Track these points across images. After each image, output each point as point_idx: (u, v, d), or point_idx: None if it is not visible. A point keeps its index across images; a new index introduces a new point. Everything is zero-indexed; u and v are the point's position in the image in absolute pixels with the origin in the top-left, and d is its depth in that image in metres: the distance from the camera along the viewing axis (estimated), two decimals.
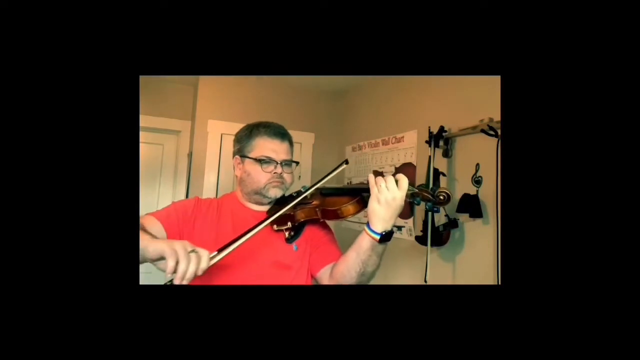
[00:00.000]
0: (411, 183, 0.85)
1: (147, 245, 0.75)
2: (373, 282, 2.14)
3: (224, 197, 1.14)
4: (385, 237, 0.84)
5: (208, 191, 2.39)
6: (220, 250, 0.79)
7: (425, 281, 1.62)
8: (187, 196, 2.44)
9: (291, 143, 1.09)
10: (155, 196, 2.66)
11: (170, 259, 0.69)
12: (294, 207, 0.96)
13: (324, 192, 1.01)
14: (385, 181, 0.82)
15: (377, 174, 0.86)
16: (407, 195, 0.84)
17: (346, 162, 1.01)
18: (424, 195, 0.86)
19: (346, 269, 0.92)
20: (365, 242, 0.86)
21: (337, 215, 0.92)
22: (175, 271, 0.69)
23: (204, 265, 0.72)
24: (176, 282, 0.69)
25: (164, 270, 0.71)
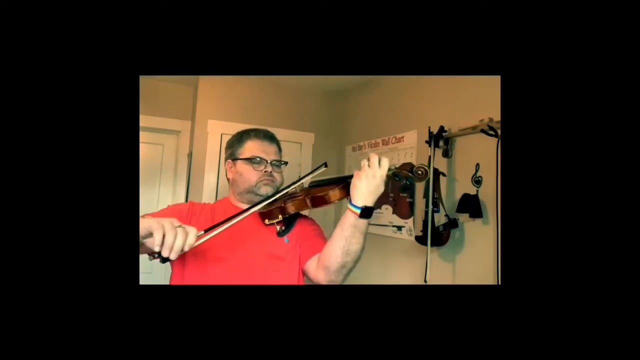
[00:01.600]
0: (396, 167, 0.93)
1: (140, 222, 0.73)
2: (373, 281, 2.13)
3: (218, 202, 1.18)
4: (365, 212, 0.88)
5: (208, 191, 2.39)
6: (207, 231, 0.81)
7: (425, 281, 1.62)
8: (187, 196, 2.44)
9: (279, 147, 1.16)
10: (155, 196, 2.66)
11: (157, 232, 0.70)
12: (284, 200, 1.01)
13: (311, 186, 1.07)
14: (369, 159, 0.89)
15: None
16: (388, 175, 0.90)
17: (325, 165, 1.06)
18: (403, 173, 0.93)
19: (331, 247, 0.95)
20: (348, 219, 0.91)
21: (325, 201, 0.96)
22: (162, 244, 0.70)
23: (191, 240, 0.73)
24: (163, 253, 0.70)
25: (150, 251, 0.72)
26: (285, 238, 1.06)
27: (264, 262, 1.02)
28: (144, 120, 2.39)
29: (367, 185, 0.87)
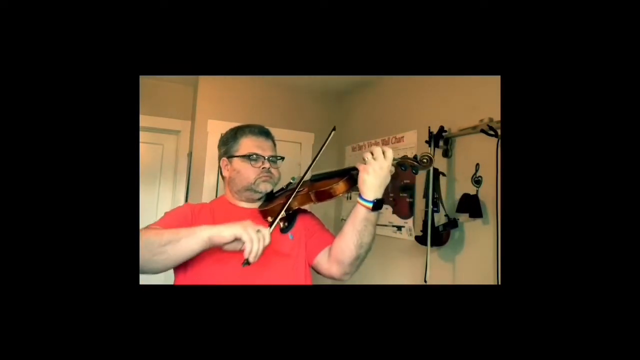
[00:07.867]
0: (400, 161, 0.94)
1: (220, 230, 0.79)
2: (373, 281, 2.13)
3: (214, 202, 1.16)
4: (377, 204, 0.91)
5: (208, 191, 2.39)
6: (270, 225, 0.88)
7: (425, 281, 1.62)
8: (186, 196, 2.44)
9: (274, 142, 1.15)
10: (155, 196, 2.66)
11: (248, 242, 0.76)
12: (287, 197, 0.99)
13: (313, 179, 1.06)
14: (372, 152, 0.90)
15: None
16: (393, 165, 0.91)
17: (334, 129, 1.06)
18: (408, 162, 0.93)
19: (344, 243, 0.97)
20: (359, 213, 0.93)
21: (330, 194, 0.97)
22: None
23: (267, 242, 0.79)
24: (252, 261, 0.77)
25: (229, 250, 0.80)
26: (290, 234, 1.06)
27: (269, 259, 0.99)
28: (144, 120, 2.39)
29: (376, 178, 0.89)
